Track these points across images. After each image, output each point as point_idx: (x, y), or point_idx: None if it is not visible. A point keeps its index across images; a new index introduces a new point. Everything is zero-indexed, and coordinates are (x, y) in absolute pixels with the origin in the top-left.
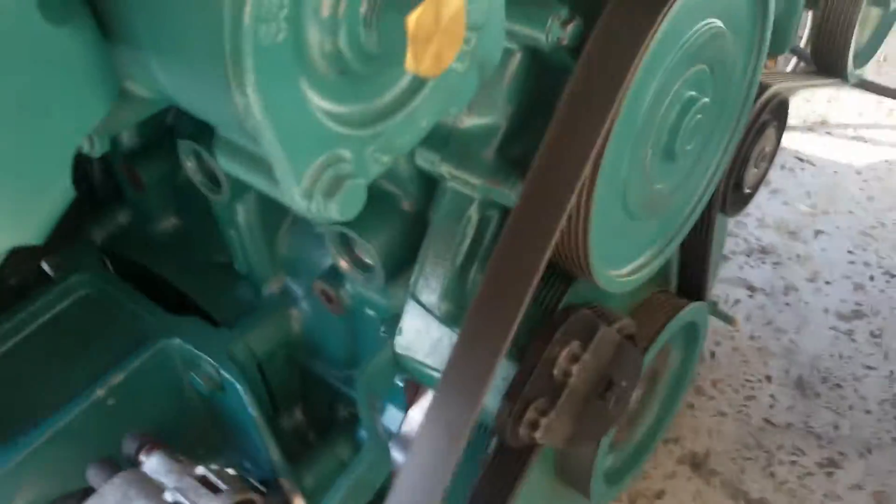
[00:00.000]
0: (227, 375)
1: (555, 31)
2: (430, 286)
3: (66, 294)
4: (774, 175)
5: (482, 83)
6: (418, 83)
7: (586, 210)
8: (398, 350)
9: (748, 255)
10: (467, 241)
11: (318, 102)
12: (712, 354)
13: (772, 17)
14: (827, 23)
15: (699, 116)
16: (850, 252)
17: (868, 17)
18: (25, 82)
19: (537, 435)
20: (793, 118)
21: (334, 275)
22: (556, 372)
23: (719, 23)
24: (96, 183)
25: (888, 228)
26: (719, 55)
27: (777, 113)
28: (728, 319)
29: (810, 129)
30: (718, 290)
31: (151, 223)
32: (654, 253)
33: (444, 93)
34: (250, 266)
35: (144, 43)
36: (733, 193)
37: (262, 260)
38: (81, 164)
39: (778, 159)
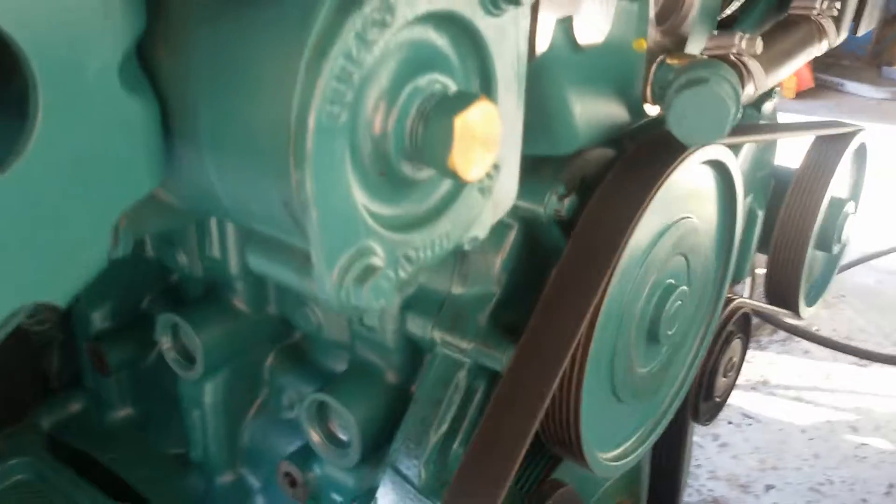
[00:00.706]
0: None
1: (552, 205)
2: (411, 455)
3: (3, 478)
4: (722, 430)
5: (495, 221)
6: (444, 203)
7: (578, 382)
8: None
9: None
10: (453, 409)
11: (360, 194)
12: None
13: (739, 223)
14: (777, 264)
15: (679, 303)
16: None
17: (814, 259)
18: (89, 138)
19: None
20: None
21: (302, 456)
22: None
23: (694, 219)
24: (53, 368)
25: (836, 486)
26: (695, 248)
27: (742, 326)
28: None
29: (753, 388)
30: None
31: (107, 411)
32: (640, 439)
33: (465, 218)
34: (207, 454)
35: (201, 120)
36: (705, 401)
37: (221, 447)
38: (40, 349)
39: (724, 414)
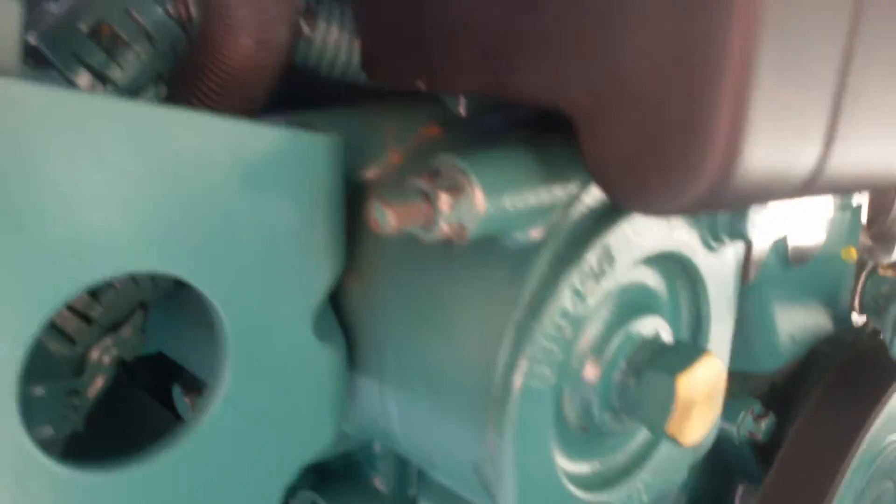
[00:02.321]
0: None
1: (747, 426)
2: None
3: None
4: None
5: (694, 462)
6: (645, 453)
7: None
8: None
9: None
10: None
11: (560, 457)
12: None
13: None
14: None
15: None
16: None
17: None
18: (275, 394)
19: None
20: None
21: None
22: None
23: None
24: None
25: None
26: None
27: None
28: None
29: None
30: None
31: None
32: None
33: (665, 467)
34: None
35: (389, 373)
36: None
37: None
38: None
39: None
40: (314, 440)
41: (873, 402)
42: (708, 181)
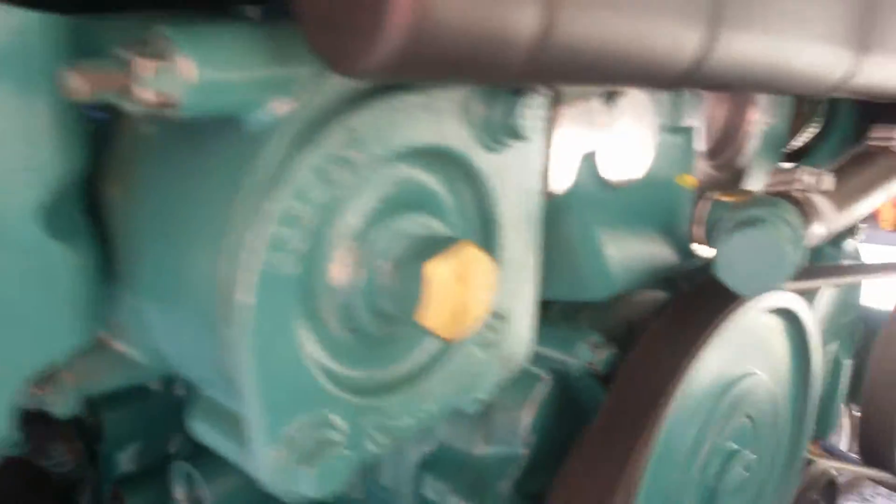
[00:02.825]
0: None
1: (584, 356)
2: None
3: None
4: None
5: (502, 382)
6: (432, 361)
7: None
8: None
9: None
10: None
11: (318, 356)
12: None
13: (816, 381)
14: (870, 419)
15: (742, 471)
16: None
17: None
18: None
19: None
20: None
21: None
22: None
23: (762, 375)
24: None
25: None
26: (762, 408)
27: (827, 495)
28: None
29: None
30: None
31: None
32: None
33: (459, 378)
34: None
35: (143, 266)
36: None
37: None
38: (65, 491)
39: None
40: (52, 342)
41: (703, 329)
42: (396, 38)
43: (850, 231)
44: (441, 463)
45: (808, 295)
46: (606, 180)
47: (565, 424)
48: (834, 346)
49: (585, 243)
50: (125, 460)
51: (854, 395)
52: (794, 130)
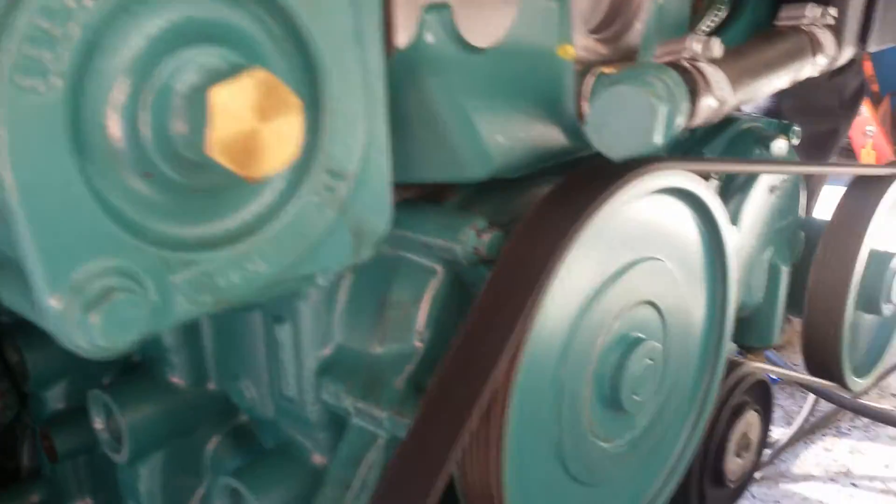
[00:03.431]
0: None
1: (471, 242)
2: None
3: None
4: None
5: (359, 255)
6: (261, 218)
7: (497, 450)
8: None
9: None
10: (366, 495)
11: (108, 199)
12: None
13: (732, 274)
14: (812, 328)
15: (647, 362)
16: None
17: (861, 322)
18: None
19: None
20: (812, 467)
21: None
22: None
23: (667, 262)
24: (24, 456)
25: None
26: (667, 298)
27: (757, 396)
28: None
29: (833, 479)
30: None
31: (65, 502)
32: None
33: (295, 240)
34: None
35: None
36: (714, 487)
37: None
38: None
39: None
40: None
41: (587, 206)
42: None
43: (785, 131)
44: (338, 366)
45: (738, 198)
46: (468, 41)
47: (459, 315)
48: (769, 252)
49: (453, 114)
50: (53, 399)
51: (796, 306)
52: (698, 11)
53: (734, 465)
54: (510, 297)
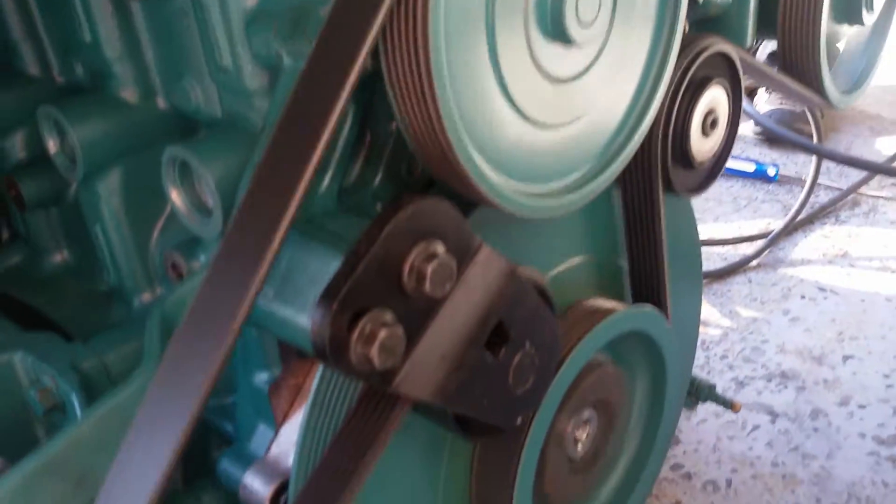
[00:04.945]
0: (66, 389)
1: None
2: None
3: None
4: (793, 304)
5: None
6: None
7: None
8: None
9: (768, 381)
10: None
11: None
12: (728, 483)
13: None
14: (789, 20)
15: None
16: (886, 376)
17: (840, 33)
18: None
19: (373, 354)
20: (810, 251)
21: (188, 246)
22: (406, 275)
23: None
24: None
25: None
26: None
27: (724, 70)
28: (727, 404)
29: (831, 261)
30: (735, 416)
31: (43, 257)
32: (584, 176)
33: None
34: (119, 275)
35: None
36: (680, 167)
37: (131, 264)
38: None
39: (796, 289)
40: None
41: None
42: None
43: None
44: (264, 14)
45: None
46: None
47: None
48: None
49: None
50: (15, 149)
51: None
52: None
53: (702, 145)
54: None
